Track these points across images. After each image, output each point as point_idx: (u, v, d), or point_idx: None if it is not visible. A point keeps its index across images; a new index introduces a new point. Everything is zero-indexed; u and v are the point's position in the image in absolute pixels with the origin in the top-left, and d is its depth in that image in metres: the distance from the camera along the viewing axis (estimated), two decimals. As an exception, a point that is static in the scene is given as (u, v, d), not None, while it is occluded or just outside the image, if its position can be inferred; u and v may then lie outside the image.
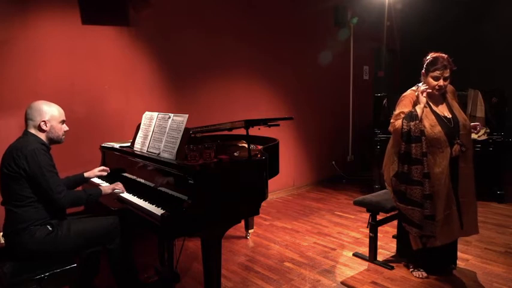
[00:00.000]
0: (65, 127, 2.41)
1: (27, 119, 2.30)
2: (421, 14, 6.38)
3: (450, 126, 2.69)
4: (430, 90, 2.73)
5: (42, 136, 2.31)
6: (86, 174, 2.74)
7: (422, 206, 2.69)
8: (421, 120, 2.66)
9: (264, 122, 2.89)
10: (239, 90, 4.77)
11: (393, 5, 6.31)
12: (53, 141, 2.36)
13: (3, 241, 2.36)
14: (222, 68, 4.58)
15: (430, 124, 2.66)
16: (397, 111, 2.80)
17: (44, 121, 2.29)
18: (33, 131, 2.30)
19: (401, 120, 2.72)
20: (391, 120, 2.81)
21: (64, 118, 2.40)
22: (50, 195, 2.18)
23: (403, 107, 2.78)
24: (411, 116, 2.69)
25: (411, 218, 2.74)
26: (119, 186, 2.58)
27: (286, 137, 5.23)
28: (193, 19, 4.27)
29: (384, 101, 5.23)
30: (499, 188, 4.64)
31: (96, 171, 2.78)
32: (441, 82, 2.69)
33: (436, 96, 2.78)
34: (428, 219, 2.69)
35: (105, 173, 2.81)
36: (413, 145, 2.66)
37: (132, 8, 3.81)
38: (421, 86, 2.78)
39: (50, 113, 2.32)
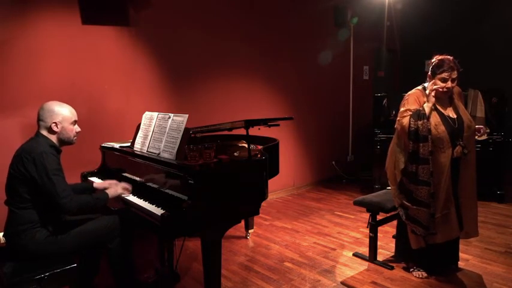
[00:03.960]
0: (77, 128, 2.39)
1: (38, 120, 2.29)
2: (421, 14, 6.38)
3: (454, 127, 2.68)
4: (441, 89, 2.68)
5: (53, 138, 2.30)
6: (95, 185, 2.70)
7: (428, 206, 2.68)
8: (428, 119, 2.65)
9: (264, 122, 2.89)
10: (239, 90, 4.77)
11: (393, 5, 6.31)
12: (64, 142, 2.35)
13: (3, 241, 2.36)
14: (222, 67, 4.58)
15: (434, 123, 2.65)
16: (403, 109, 2.78)
17: (55, 122, 2.27)
18: (44, 132, 2.29)
19: (408, 117, 2.71)
20: (398, 118, 2.80)
21: (76, 119, 2.38)
22: (56, 200, 2.16)
23: (409, 104, 2.76)
24: (419, 115, 2.67)
25: (417, 217, 2.73)
26: (125, 188, 2.55)
27: (286, 137, 5.23)
28: (194, 19, 4.27)
29: (384, 101, 5.23)
30: (499, 188, 4.63)
31: (107, 184, 2.74)
32: (449, 84, 2.66)
33: (441, 98, 2.75)
34: (431, 217, 2.69)
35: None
36: (421, 144, 2.65)
37: (132, 8, 3.81)
38: (430, 86, 2.76)
39: (62, 114, 2.30)
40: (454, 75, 2.67)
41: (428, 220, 2.70)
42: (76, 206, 2.22)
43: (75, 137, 2.40)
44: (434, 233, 2.71)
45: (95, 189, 2.71)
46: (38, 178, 2.14)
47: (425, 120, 2.64)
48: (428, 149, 2.64)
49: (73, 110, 2.38)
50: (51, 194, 2.15)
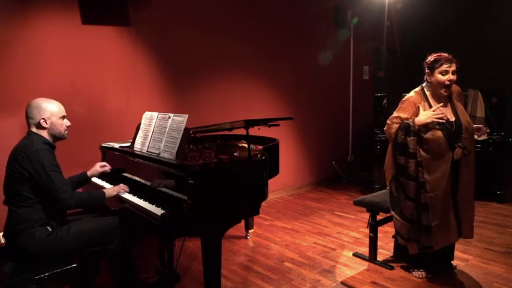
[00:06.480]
0: (66, 122, 2.39)
1: (27, 118, 2.30)
2: (421, 14, 6.38)
3: (451, 130, 2.61)
4: (443, 113, 2.60)
5: (44, 134, 2.30)
6: (89, 173, 2.74)
7: (411, 221, 2.68)
8: (419, 135, 2.59)
9: (264, 122, 2.89)
10: (239, 90, 4.77)
11: (393, 5, 6.31)
12: (56, 138, 2.35)
13: (3, 241, 2.36)
14: (222, 67, 4.58)
15: (431, 127, 2.59)
16: (394, 114, 2.73)
17: (43, 118, 2.28)
18: (34, 129, 2.29)
19: (396, 128, 2.66)
20: (388, 122, 2.75)
21: (64, 114, 2.38)
22: (55, 195, 2.17)
23: (401, 111, 2.70)
24: (407, 130, 2.60)
25: (399, 229, 2.77)
26: (122, 188, 2.57)
27: (286, 137, 5.23)
28: (193, 19, 4.28)
29: (384, 101, 5.23)
30: (499, 188, 4.63)
31: (98, 167, 2.77)
32: (450, 76, 2.60)
33: (441, 98, 2.70)
34: (425, 230, 2.66)
35: (107, 169, 2.81)
36: (410, 161, 2.60)
37: (132, 8, 3.81)
38: (426, 88, 2.74)
39: (49, 110, 2.30)
40: (454, 67, 2.62)
41: (408, 233, 2.71)
42: (75, 201, 2.25)
43: (66, 131, 2.40)
44: (430, 247, 2.68)
45: (89, 179, 2.77)
46: (36, 175, 2.15)
47: (415, 138, 2.58)
48: (415, 166, 2.60)
49: (60, 105, 2.37)
50: (50, 189, 2.17)
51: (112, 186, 2.65)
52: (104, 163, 2.85)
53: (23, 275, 2.06)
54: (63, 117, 2.37)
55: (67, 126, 2.40)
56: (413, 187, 2.63)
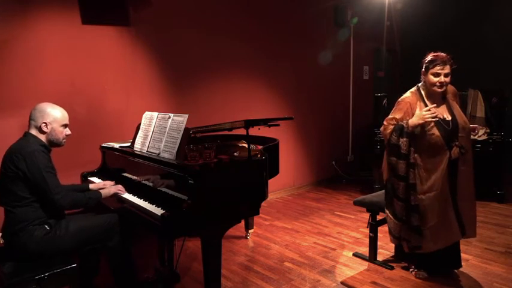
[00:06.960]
0: (67, 131, 2.40)
1: (30, 119, 2.31)
2: (421, 14, 6.38)
3: (448, 129, 2.63)
4: (434, 112, 2.60)
5: (42, 137, 2.31)
6: (91, 186, 2.70)
7: (402, 220, 2.69)
8: (412, 136, 2.61)
9: (264, 122, 2.89)
10: (239, 90, 4.77)
11: (393, 5, 6.31)
12: (52, 143, 2.36)
13: (2, 241, 2.36)
14: (222, 67, 4.58)
15: (427, 127, 2.60)
16: (390, 116, 2.75)
17: (45, 123, 2.29)
18: (33, 132, 2.30)
19: (391, 129, 2.68)
20: (384, 123, 2.78)
21: (67, 122, 2.39)
22: (49, 196, 2.18)
23: (397, 112, 2.73)
24: (401, 131, 2.62)
25: (392, 228, 2.78)
26: (119, 189, 2.57)
27: (286, 137, 5.23)
28: (193, 19, 4.27)
29: (384, 101, 5.24)
30: (499, 188, 4.63)
31: (101, 185, 2.75)
32: (442, 78, 2.62)
33: (436, 97, 2.73)
34: (414, 231, 2.67)
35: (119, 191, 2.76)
36: (401, 161, 2.63)
37: (132, 8, 3.81)
38: (422, 88, 2.75)
39: (53, 116, 2.32)
40: (447, 69, 2.63)
41: (398, 232, 2.73)
42: (68, 202, 2.26)
43: (64, 140, 2.40)
44: (419, 247, 2.69)
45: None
46: (30, 176, 2.16)
47: (408, 139, 2.60)
48: (405, 166, 2.62)
49: (65, 113, 2.39)
50: (44, 190, 2.18)
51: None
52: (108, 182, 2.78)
53: (23, 275, 2.06)
54: (65, 126, 2.38)
55: (66, 135, 2.40)
56: (402, 188, 2.66)
